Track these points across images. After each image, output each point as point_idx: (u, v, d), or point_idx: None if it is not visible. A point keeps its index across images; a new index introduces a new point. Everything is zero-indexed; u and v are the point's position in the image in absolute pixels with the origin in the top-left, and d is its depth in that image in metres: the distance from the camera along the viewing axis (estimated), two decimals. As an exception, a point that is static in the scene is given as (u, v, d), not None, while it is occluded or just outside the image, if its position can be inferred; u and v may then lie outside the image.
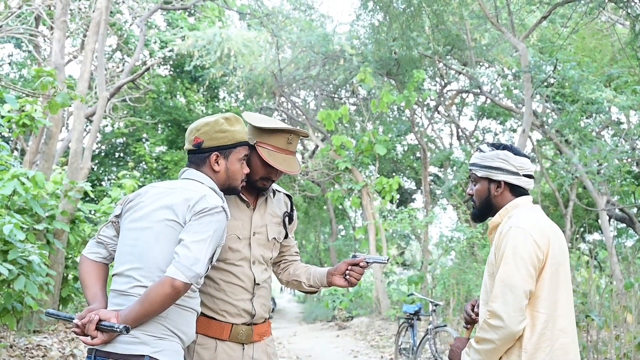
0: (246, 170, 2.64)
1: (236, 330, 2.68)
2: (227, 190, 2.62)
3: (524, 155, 2.66)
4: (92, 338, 2.26)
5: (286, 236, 2.95)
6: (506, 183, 2.65)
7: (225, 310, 2.68)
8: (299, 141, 2.86)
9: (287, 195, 3.02)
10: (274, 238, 2.85)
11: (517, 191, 2.67)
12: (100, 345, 2.27)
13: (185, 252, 2.25)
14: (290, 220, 2.97)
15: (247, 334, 2.71)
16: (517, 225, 2.49)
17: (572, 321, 2.54)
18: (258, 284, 2.75)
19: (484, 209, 2.73)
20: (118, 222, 2.53)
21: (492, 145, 2.71)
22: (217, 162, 2.55)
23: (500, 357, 2.47)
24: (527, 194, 2.69)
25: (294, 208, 3.02)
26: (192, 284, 2.24)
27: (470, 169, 2.76)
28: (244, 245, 2.73)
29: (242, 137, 2.60)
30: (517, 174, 2.63)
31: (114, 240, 2.53)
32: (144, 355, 2.26)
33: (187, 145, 2.60)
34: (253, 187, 2.78)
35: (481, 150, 2.73)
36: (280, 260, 3.05)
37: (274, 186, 2.93)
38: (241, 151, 2.60)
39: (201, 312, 2.65)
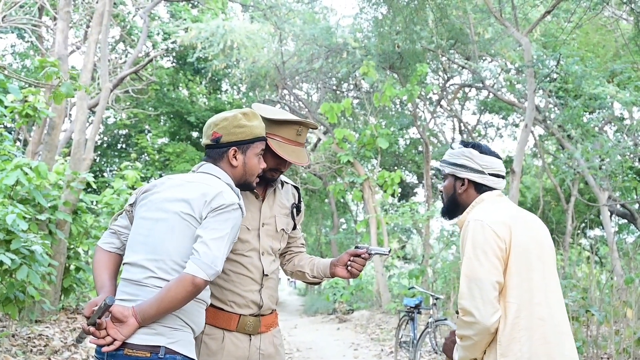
0: (263, 165, 2.64)
1: (244, 321, 2.70)
2: (243, 185, 2.62)
3: (494, 155, 2.64)
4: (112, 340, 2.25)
5: (294, 227, 2.96)
6: (470, 181, 2.63)
7: (234, 301, 2.69)
8: None
9: (295, 187, 3.03)
10: (283, 229, 2.86)
11: (484, 189, 2.64)
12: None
13: (205, 250, 2.25)
14: (298, 211, 2.99)
15: (255, 325, 2.73)
16: (475, 218, 2.47)
17: (554, 309, 2.46)
18: (267, 275, 2.76)
19: (450, 206, 2.71)
20: (132, 211, 2.53)
21: (462, 142, 2.70)
22: (235, 157, 2.55)
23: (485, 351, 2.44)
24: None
25: (302, 200, 3.03)
26: (210, 280, 2.25)
27: (440, 165, 2.76)
28: (253, 236, 2.74)
29: (259, 132, 2.60)
30: (481, 172, 2.60)
31: (127, 230, 2.52)
32: (160, 346, 2.27)
33: (205, 140, 2.59)
34: (262, 178, 2.78)
35: (451, 148, 2.71)
36: (286, 252, 3.05)
37: (282, 177, 2.94)
38: (258, 146, 2.60)
39: (210, 303, 2.67)
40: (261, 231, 2.77)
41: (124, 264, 2.44)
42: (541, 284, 2.45)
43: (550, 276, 2.51)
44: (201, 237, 2.29)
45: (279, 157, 2.71)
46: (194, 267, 2.23)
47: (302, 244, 3.10)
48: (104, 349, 2.24)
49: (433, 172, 20.82)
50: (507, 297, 2.39)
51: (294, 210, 2.96)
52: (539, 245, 2.51)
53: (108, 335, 2.24)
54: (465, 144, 2.68)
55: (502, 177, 2.66)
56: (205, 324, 2.64)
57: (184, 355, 2.32)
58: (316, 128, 2.87)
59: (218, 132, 2.55)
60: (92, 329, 2.25)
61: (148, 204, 2.47)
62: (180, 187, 2.46)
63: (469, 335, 2.40)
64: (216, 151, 2.57)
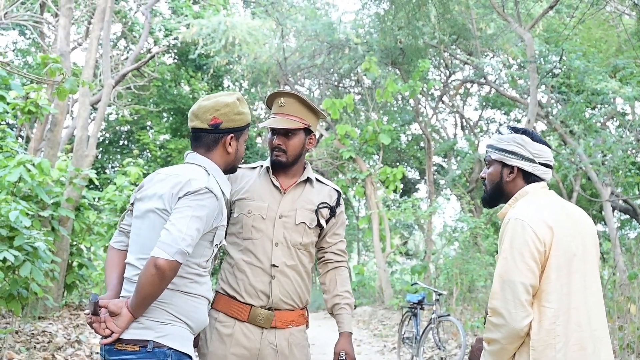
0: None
1: (254, 312, 2.70)
2: (229, 170, 2.61)
3: (544, 143, 2.50)
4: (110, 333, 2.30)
5: (319, 225, 2.87)
6: (519, 169, 2.48)
7: (245, 291, 2.71)
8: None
9: (337, 190, 2.96)
10: (303, 222, 2.81)
11: (531, 179, 2.49)
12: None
13: (165, 232, 2.24)
14: (333, 214, 2.91)
15: (267, 318, 2.71)
16: (516, 217, 2.33)
17: (592, 312, 2.34)
18: (276, 266, 2.73)
19: (494, 194, 2.57)
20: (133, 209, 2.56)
21: (512, 128, 2.55)
22: (231, 144, 2.54)
23: (514, 356, 2.32)
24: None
25: (340, 204, 2.95)
26: (176, 260, 2.19)
27: (486, 151, 2.61)
28: (267, 225, 2.76)
29: (249, 118, 2.61)
30: (532, 161, 2.46)
31: None
32: (148, 340, 2.28)
33: (201, 124, 2.51)
34: (273, 163, 2.85)
35: (500, 133, 2.56)
36: (322, 258, 2.98)
37: (321, 179, 2.94)
38: (247, 133, 2.62)
39: (225, 291, 2.72)
40: (277, 222, 2.77)
41: (125, 263, 2.47)
42: (580, 287, 2.33)
43: (591, 278, 2.39)
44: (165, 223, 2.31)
45: (273, 133, 2.82)
46: (155, 249, 2.21)
47: (340, 252, 2.98)
48: (103, 341, 2.29)
49: (435, 168, 20.81)
50: (543, 302, 2.28)
51: (325, 209, 2.88)
52: (583, 245, 2.39)
53: (107, 328, 2.28)
54: (515, 130, 2.53)
55: (551, 167, 2.51)
56: (219, 311, 2.71)
57: (176, 350, 2.31)
58: (302, 101, 2.83)
59: (219, 118, 2.50)
60: (92, 318, 2.30)
61: (139, 202, 2.49)
62: (161, 182, 2.45)
63: (497, 339, 2.30)
64: (212, 137, 2.52)
